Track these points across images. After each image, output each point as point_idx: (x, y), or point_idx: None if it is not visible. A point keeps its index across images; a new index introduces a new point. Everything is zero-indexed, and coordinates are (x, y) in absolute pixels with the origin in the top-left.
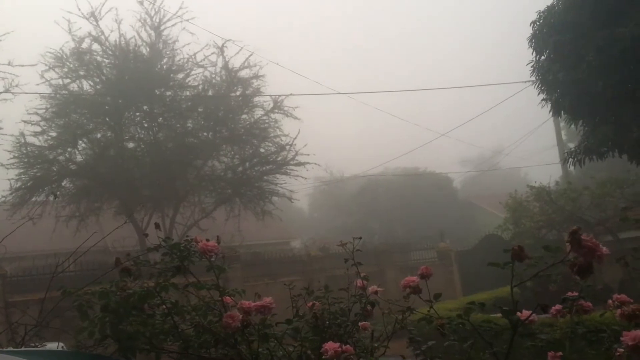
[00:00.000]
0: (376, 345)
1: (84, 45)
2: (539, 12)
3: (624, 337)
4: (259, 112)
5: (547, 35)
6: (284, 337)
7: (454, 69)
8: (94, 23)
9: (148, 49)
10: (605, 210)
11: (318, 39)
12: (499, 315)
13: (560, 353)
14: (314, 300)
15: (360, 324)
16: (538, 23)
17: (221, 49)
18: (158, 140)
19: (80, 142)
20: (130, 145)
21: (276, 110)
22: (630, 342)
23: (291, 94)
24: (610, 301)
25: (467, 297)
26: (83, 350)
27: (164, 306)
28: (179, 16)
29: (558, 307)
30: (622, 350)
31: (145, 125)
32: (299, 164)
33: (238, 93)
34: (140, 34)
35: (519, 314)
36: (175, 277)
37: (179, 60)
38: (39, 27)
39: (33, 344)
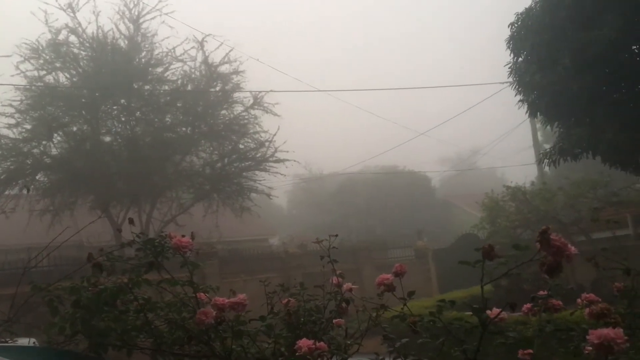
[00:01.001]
0: (349, 342)
1: (61, 37)
2: (517, 14)
3: (590, 336)
4: (238, 108)
5: (524, 37)
6: (259, 334)
7: (434, 69)
8: (71, 14)
9: (126, 42)
10: (579, 210)
11: (299, 36)
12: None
13: (530, 350)
14: (289, 297)
15: (334, 321)
16: (516, 25)
17: (201, 44)
18: (135, 135)
19: (55, 135)
20: (107, 139)
21: (256, 107)
22: (596, 341)
23: (271, 91)
24: (579, 300)
25: (443, 295)
26: (54, 346)
27: (137, 302)
28: (158, 9)
29: (528, 305)
30: (590, 348)
31: (123, 119)
32: (278, 160)
33: (218, 88)
34: (118, 27)
35: (488, 312)
36: (150, 273)
37: (157, 54)
38: (14, 17)
39: (3, 339)
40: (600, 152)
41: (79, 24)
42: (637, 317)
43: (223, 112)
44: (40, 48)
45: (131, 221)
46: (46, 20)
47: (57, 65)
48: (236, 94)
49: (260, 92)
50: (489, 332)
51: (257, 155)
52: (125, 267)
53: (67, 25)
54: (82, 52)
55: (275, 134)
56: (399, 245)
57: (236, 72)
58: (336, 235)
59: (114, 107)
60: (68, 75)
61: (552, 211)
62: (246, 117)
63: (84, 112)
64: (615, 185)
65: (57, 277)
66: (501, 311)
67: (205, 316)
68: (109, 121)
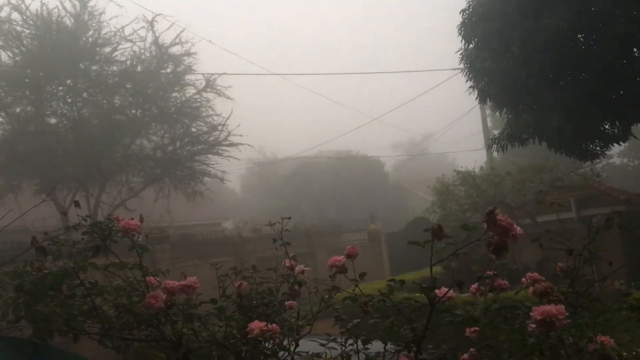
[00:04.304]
0: (301, 323)
1: (3, 13)
2: (469, 1)
3: (533, 312)
4: (190, 91)
5: (475, 24)
6: (211, 317)
7: (388, 54)
8: None
9: (72, 20)
10: (525, 194)
11: (252, 19)
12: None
13: (477, 328)
14: (242, 280)
15: (286, 303)
16: (467, 12)
17: (151, 24)
18: (82, 117)
19: None
20: (52, 121)
21: (208, 89)
22: (538, 317)
23: (224, 73)
24: (523, 279)
25: (395, 277)
26: None
27: (83, 287)
28: None
29: (475, 285)
30: (533, 326)
31: (69, 100)
32: (232, 144)
33: (169, 70)
34: (64, 4)
35: (437, 291)
36: (99, 258)
37: (105, 34)
38: None
39: None
40: (546, 138)
41: (22, 0)
42: (578, 296)
43: (174, 94)
44: None
45: (77, 204)
46: None
47: None
48: (188, 76)
49: (213, 74)
50: (437, 311)
51: (210, 139)
52: (72, 251)
53: (9, 2)
54: (25, 30)
55: (228, 118)
56: (352, 229)
57: (188, 53)
58: (289, 218)
59: (60, 88)
60: (10, 54)
61: (500, 195)
62: (198, 99)
63: (27, 93)
64: (560, 170)
65: (0, 262)
66: (449, 290)
67: (155, 300)
68: (54, 102)
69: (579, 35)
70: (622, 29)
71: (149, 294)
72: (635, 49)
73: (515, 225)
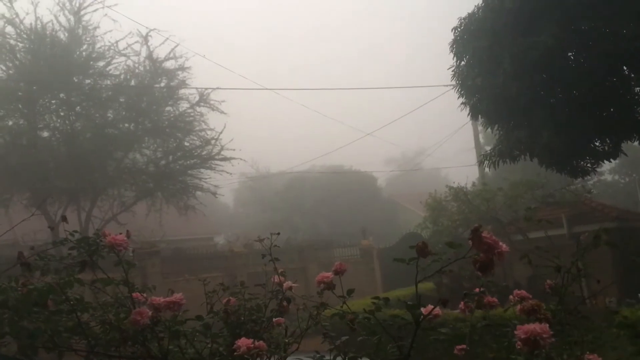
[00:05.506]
0: (287, 341)
1: None
2: (460, 19)
3: (517, 331)
4: (184, 105)
5: (467, 41)
6: (199, 334)
7: (381, 69)
8: (8, 4)
9: (66, 34)
10: (517, 210)
11: (244, 32)
12: None
13: (464, 346)
14: (230, 296)
15: (274, 320)
16: (459, 29)
17: (145, 38)
18: (75, 130)
19: None
20: (45, 134)
21: (202, 104)
22: (523, 336)
23: (218, 88)
24: (511, 297)
25: (387, 293)
26: None
27: (69, 303)
28: (100, 1)
29: (462, 303)
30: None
31: (62, 113)
32: (225, 158)
33: (162, 84)
34: (58, 18)
35: (422, 309)
36: (86, 273)
37: (99, 48)
38: None
39: None
40: (537, 154)
41: (17, 14)
42: (567, 313)
43: (168, 108)
44: None
45: (64, 219)
46: None
47: None
48: (182, 91)
49: (206, 89)
50: (422, 329)
51: (203, 153)
52: (59, 266)
53: (3, 16)
54: (19, 43)
55: (221, 132)
56: (344, 244)
57: (182, 68)
58: (278, 234)
59: (53, 102)
60: (4, 68)
61: (491, 211)
62: (192, 114)
63: (20, 106)
64: (552, 187)
65: None
66: (434, 308)
67: (141, 316)
68: (47, 116)
69: (569, 53)
70: (611, 47)
71: (134, 311)
72: (624, 67)
73: (500, 243)
